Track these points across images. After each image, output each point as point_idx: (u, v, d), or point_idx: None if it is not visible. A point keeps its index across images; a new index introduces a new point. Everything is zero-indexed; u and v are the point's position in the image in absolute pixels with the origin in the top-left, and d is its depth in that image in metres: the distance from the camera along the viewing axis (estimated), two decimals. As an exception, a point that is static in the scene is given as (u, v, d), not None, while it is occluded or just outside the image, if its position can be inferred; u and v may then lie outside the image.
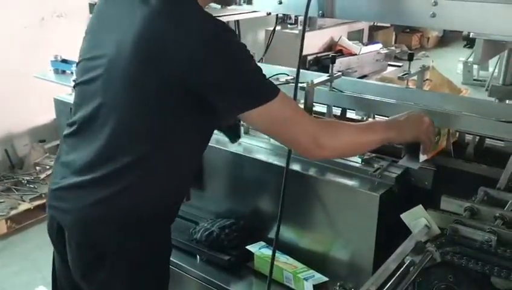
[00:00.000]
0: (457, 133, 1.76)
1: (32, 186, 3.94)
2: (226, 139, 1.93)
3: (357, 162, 1.70)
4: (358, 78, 4.52)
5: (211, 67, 1.20)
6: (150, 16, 1.23)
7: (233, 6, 1.77)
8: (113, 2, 1.38)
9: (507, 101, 1.73)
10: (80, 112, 1.39)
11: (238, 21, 2.66)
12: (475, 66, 6.94)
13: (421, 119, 1.51)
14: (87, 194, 1.35)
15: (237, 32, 2.72)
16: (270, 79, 1.32)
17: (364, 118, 2.02)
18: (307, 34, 1.66)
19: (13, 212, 3.63)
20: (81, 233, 1.39)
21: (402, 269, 1.11)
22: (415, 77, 1.92)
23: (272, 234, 1.64)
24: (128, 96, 1.29)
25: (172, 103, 1.27)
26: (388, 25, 7.71)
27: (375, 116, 1.88)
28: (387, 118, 1.57)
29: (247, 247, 1.79)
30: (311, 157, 1.41)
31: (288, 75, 2.04)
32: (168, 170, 1.37)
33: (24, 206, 3.71)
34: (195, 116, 1.31)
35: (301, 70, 1.68)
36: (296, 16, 4.31)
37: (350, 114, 2.03)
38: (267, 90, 1.27)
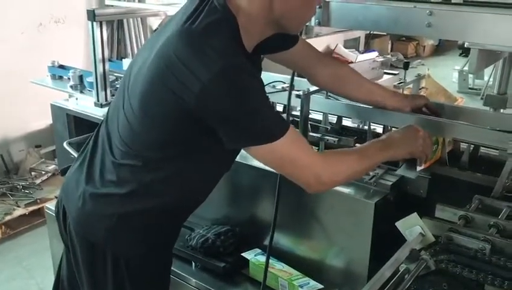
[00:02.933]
0: (453, 142, 1.77)
1: (27, 191, 3.93)
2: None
3: (352, 170, 1.70)
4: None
5: (219, 104, 1.21)
6: (176, 36, 1.24)
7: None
8: (166, 24, 1.41)
9: (501, 110, 1.74)
10: (109, 112, 1.48)
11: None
12: (470, 75, 6.98)
13: (416, 134, 1.51)
14: (91, 187, 1.41)
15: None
16: (281, 116, 1.33)
17: (360, 126, 2.04)
18: (303, 42, 1.67)
19: (8, 217, 3.62)
20: (80, 224, 1.43)
21: (397, 276, 1.12)
22: (411, 85, 1.93)
23: (267, 241, 1.65)
24: (140, 106, 1.32)
25: (180, 121, 1.28)
26: (384, 33, 7.75)
27: (371, 124, 1.89)
28: (383, 136, 1.57)
29: (243, 254, 1.79)
30: (312, 192, 1.41)
31: (284, 82, 2.04)
32: (170, 183, 1.39)
33: (19, 211, 3.70)
34: (201, 137, 1.32)
35: (298, 78, 1.70)
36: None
37: (346, 122, 2.04)
38: (272, 130, 1.26)
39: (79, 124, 2.50)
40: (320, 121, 1.98)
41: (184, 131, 1.30)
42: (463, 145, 1.74)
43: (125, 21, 4.56)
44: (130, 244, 1.43)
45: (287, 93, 1.90)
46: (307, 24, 1.60)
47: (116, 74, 2.72)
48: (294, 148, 1.31)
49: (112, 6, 2.87)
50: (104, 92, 2.45)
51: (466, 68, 6.85)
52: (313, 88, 1.81)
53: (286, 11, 1.30)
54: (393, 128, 1.84)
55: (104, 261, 1.42)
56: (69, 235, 1.49)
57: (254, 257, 1.76)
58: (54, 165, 4.14)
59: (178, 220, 1.54)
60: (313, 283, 1.66)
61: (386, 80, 6.09)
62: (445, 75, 7.16)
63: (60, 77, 2.87)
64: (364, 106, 1.83)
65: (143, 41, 4.63)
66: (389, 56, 7.40)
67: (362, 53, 5.92)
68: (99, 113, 2.41)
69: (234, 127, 1.26)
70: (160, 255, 1.51)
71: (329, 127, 1.96)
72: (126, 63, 2.71)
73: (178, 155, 1.35)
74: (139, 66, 1.34)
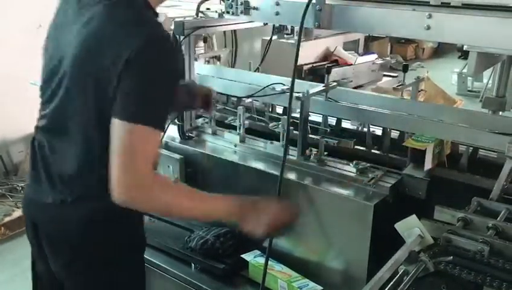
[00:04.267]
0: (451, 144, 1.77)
1: (26, 193, 3.92)
2: (222, 147, 1.95)
3: (351, 172, 1.71)
4: (354, 88, 4.54)
5: (127, 70, 1.21)
6: (98, 15, 1.28)
7: (230, 16, 1.79)
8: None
9: (500, 113, 1.75)
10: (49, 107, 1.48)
11: (235, 31, 2.68)
12: (469, 77, 6.99)
13: (268, 208, 1.47)
14: (58, 192, 1.40)
15: (234, 42, 2.74)
16: (165, 115, 1.31)
17: (359, 128, 2.05)
18: (303, 44, 1.68)
19: (7, 219, 3.61)
20: (54, 229, 1.44)
21: (396, 278, 1.12)
22: (410, 88, 1.94)
23: (266, 243, 1.65)
24: (77, 88, 1.33)
25: (103, 93, 1.27)
26: (383, 35, 7.76)
27: (370, 126, 1.89)
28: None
29: (242, 255, 1.79)
30: (115, 197, 1.27)
31: (284, 84, 2.05)
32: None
33: (18, 213, 3.68)
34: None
35: (297, 80, 1.70)
36: (292, 26, 4.34)
37: (345, 123, 2.05)
38: (145, 114, 1.23)
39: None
40: (320, 123, 1.99)
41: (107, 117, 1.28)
42: (462, 148, 1.75)
43: (125, 23, 4.55)
44: (103, 243, 1.43)
45: (286, 95, 1.92)
46: (307, 27, 1.60)
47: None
48: (142, 147, 1.25)
49: (112, 8, 2.87)
50: (104, 94, 2.44)
51: (465, 70, 6.85)
52: (313, 90, 1.81)
53: None
54: (392, 131, 1.85)
55: (84, 263, 1.45)
56: (39, 245, 1.50)
57: (253, 258, 1.77)
58: (53, 167, 4.13)
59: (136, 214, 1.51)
60: (312, 284, 1.67)
61: (385, 82, 6.12)
62: (444, 78, 7.16)
63: (60, 79, 2.87)
64: (364, 108, 1.84)
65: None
66: (388, 58, 7.42)
67: (361, 55, 5.95)
68: (99, 114, 2.41)
69: (123, 96, 1.23)
70: (127, 245, 1.50)
71: (328, 129, 1.97)
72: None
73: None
74: (67, 54, 1.34)
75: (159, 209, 1.40)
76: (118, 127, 1.23)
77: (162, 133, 1.29)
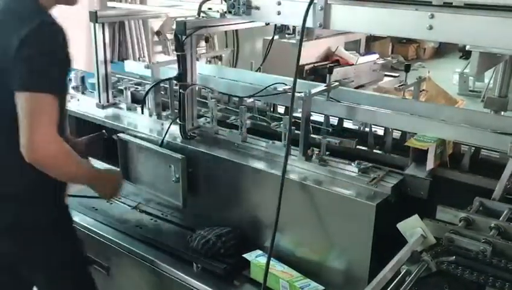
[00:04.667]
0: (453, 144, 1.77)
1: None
2: (224, 147, 1.94)
3: (353, 172, 1.71)
4: (355, 88, 4.54)
5: (23, 51, 1.44)
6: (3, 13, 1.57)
7: (232, 16, 1.79)
8: None
9: (502, 113, 1.75)
10: None
11: (236, 30, 2.68)
12: (471, 77, 6.98)
13: (112, 181, 1.91)
14: None
15: (235, 42, 2.75)
16: (61, 83, 1.56)
17: (361, 128, 2.04)
18: (304, 44, 1.67)
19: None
20: None
21: (398, 278, 1.12)
22: (412, 88, 1.94)
23: (268, 243, 1.65)
24: None
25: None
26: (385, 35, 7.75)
27: (372, 126, 1.89)
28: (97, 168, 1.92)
29: (244, 255, 1.79)
30: (26, 159, 1.47)
31: (285, 84, 2.05)
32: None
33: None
34: None
35: (298, 80, 1.70)
36: (294, 26, 4.34)
37: (347, 123, 2.05)
38: (37, 82, 1.45)
39: (81, 125, 2.50)
40: (322, 122, 1.99)
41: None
42: (464, 148, 1.75)
43: (126, 22, 4.56)
44: (30, 223, 1.64)
45: (288, 95, 1.92)
46: (308, 27, 1.60)
47: (118, 76, 2.73)
48: (42, 110, 1.45)
49: (114, 8, 2.88)
50: (105, 94, 2.45)
51: (466, 70, 6.85)
52: (314, 90, 1.81)
53: None
54: (393, 131, 1.85)
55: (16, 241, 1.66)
56: None
57: (255, 258, 1.77)
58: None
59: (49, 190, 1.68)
60: (313, 284, 1.67)
61: (386, 81, 6.13)
62: (445, 78, 7.15)
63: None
64: (366, 108, 1.84)
65: (144, 43, 4.63)
66: (389, 58, 7.43)
67: (363, 55, 5.95)
68: (101, 114, 2.42)
69: (21, 70, 1.44)
70: (53, 214, 1.71)
71: (330, 129, 1.97)
72: (128, 64, 2.71)
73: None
74: None
75: (58, 166, 1.55)
76: (18, 98, 1.46)
77: (58, 99, 1.49)
